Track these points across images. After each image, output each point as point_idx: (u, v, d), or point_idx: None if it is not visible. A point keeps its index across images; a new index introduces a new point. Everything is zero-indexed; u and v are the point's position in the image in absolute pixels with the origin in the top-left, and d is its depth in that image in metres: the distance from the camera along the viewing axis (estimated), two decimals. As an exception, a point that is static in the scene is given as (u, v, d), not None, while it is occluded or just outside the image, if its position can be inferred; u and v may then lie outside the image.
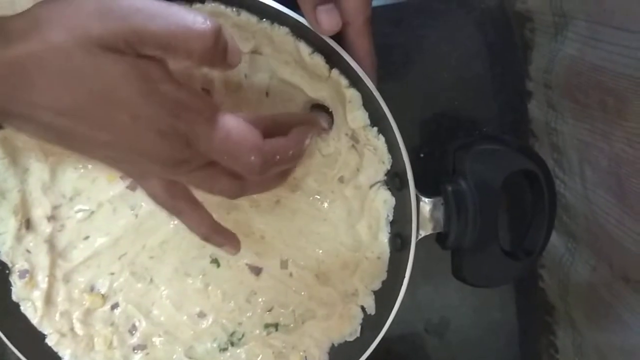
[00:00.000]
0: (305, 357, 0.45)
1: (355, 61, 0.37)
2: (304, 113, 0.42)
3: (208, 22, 0.29)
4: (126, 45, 0.28)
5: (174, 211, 0.35)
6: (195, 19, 0.29)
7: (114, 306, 0.45)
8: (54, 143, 0.31)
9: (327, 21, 0.36)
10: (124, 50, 0.28)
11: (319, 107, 0.42)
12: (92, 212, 0.44)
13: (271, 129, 0.34)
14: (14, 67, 0.27)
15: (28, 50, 0.27)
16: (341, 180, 0.43)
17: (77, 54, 0.27)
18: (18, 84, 0.28)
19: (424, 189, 0.40)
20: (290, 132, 0.35)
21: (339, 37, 0.38)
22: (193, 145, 0.30)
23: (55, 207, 0.43)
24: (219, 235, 0.36)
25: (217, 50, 0.30)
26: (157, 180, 0.33)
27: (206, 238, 0.37)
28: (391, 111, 0.38)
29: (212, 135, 0.30)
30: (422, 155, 0.50)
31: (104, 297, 0.45)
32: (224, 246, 0.37)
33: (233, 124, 0.31)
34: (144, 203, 0.44)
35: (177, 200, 0.34)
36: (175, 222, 0.44)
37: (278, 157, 0.33)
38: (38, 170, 0.42)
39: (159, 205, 0.34)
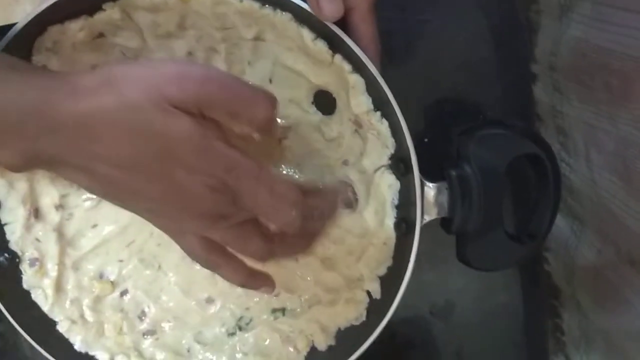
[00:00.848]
0: (312, 341, 0.45)
1: (359, 47, 0.37)
2: (332, 185, 0.44)
3: (270, 95, 0.32)
4: (197, 108, 0.30)
5: (209, 265, 0.36)
6: (261, 92, 0.32)
7: (123, 293, 0.45)
8: (98, 193, 0.33)
9: (329, 8, 0.36)
10: (192, 111, 0.30)
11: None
12: (100, 201, 0.44)
13: (303, 190, 0.36)
14: (82, 120, 0.29)
15: (99, 104, 0.29)
16: (345, 163, 0.43)
17: (148, 109, 0.29)
18: (83, 137, 0.29)
19: (428, 174, 0.40)
20: (323, 192, 0.38)
21: (342, 23, 0.38)
22: (237, 201, 0.32)
23: (63, 196, 0.44)
24: (256, 280, 0.38)
25: (274, 120, 0.33)
26: (193, 237, 0.34)
27: (243, 285, 0.38)
28: (394, 96, 0.38)
29: (258, 190, 0.32)
30: (425, 140, 0.50)
31: (113, 284, 0.45)
32: (261, 288, 0.39)
33: (276, 181, 0.33)
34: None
35: (212, 255, 0.35)
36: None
37: (315, 212, 0.36)
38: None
39: (195, 260, 0.36)
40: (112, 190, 0.32)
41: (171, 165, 0.30)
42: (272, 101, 0.32)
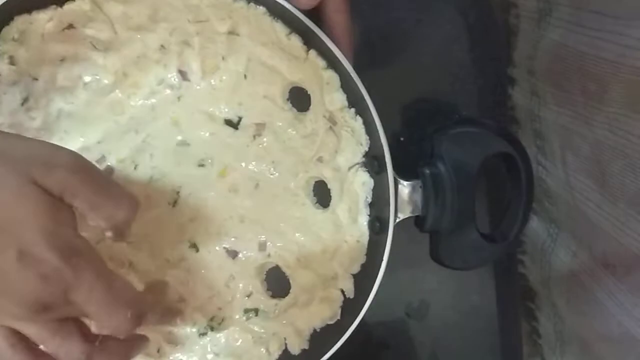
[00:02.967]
0: (286, 343, 0.45)
1: (332, 40, 0.37)
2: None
3: (134, 200, 0.34)
4: (58, 192, 0.30)
5: None
6: (127, 193, 0.34)
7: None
8: None
9: None
10: (51, 192, 0.30)
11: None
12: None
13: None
14: None
15: None
16: (320, 160, 0.43)
17: (6, 177, 0.29)
18: None
19: (403, 173, 0.40)
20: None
21: (316, 17, 0.37)
22: (69, 294, 0.30)
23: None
24: None
25: (129, 222, 0.34)
26: None
27: None
28: (370, 95, 0.38)
29: (96, 285, 0.31)
30: (402, 139, 0.49)
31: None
32: None
33: (116, 278, 0.33)
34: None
35: (19, 354, 0.32)
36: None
37: (150, 314, 0.35)
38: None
39: None
40: None
41: (5, 241, 0.28)
42: (135, 206, 0.34)
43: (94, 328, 0.34)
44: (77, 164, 0.31)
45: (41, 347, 0.33)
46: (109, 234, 0.34)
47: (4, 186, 0.28)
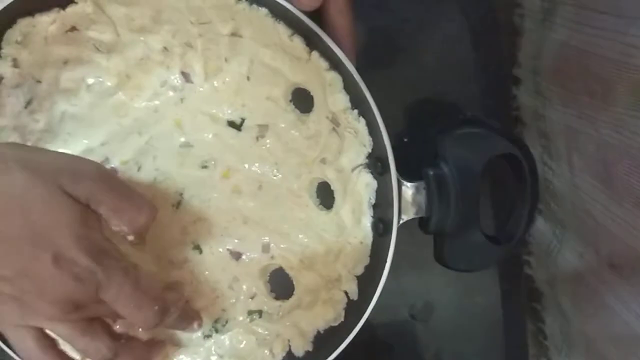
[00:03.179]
0: (290, 345, 0.45)
1: (335, 41, 0.37)
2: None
3: (153, 205, 0.36)
4: (85, 198, 0.32)
5: None
6: (146, 199, 0.36)
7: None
8: None
9: None
10: (79, 200, 0.32)
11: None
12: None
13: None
14: None
15: None
16: (323, 161, 0.43)
17: (42, 188, 0.31)
18: None
19: (407, 174, 0.40)
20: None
21: (319, 18, 0.37)
22: (100, 293, 0.32)
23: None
24: None
25: (148, 226, 0.36)
26: (28, 331, 0.33)
27: None
28: (373, 96, 0.38)
29: (124, 282, 0.33)
30: (405, 140, 0.50)
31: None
32: None
33: (142, 276, 0.35)
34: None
35: (47, 354, 0.34)
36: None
37: (173, 309, 0.37)
38: None
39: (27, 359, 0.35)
40: None
41: (42, 246, 0.30)
42: (154, 210, 0.36)
43: (118, 328, 0.37)
44: (101, 173, 0.34)
45: (62, 347, 0.35)
46: (131, 237, 0.36)
47: (37, 196, 0.30)
